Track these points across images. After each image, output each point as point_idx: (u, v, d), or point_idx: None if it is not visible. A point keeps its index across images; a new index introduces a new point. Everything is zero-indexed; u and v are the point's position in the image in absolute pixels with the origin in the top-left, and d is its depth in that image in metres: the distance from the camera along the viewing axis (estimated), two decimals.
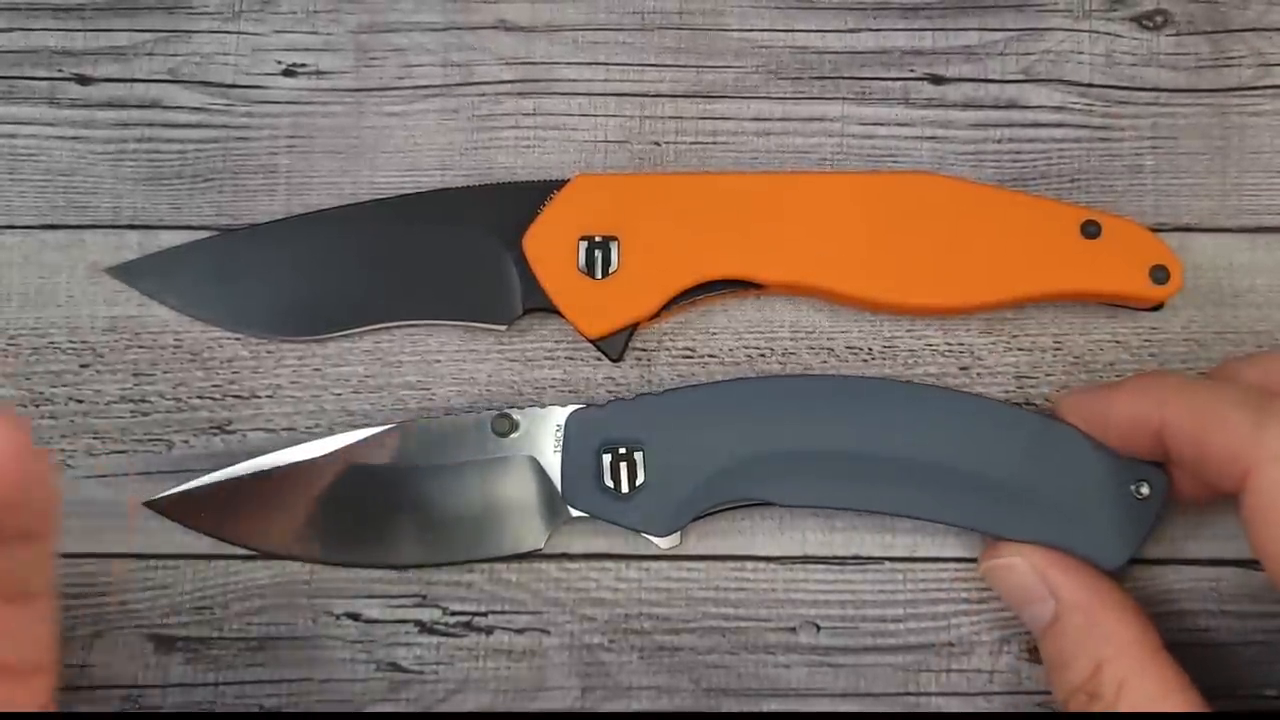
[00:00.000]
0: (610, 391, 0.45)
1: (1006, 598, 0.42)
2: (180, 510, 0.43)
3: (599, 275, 0.43)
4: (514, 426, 0.43)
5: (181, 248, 0.45)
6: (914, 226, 0.43)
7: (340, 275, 0.45)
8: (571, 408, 0.43)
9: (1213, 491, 0.39)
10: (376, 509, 0.43)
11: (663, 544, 0.42)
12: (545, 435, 0.43)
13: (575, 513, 0.42)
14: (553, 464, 0.42)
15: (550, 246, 0.44)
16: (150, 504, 0.43)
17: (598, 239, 0.44)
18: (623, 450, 0.42)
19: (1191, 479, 0.40)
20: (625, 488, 0.42)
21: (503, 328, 0.44)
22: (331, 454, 0.43)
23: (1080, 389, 0.42)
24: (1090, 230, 0.43)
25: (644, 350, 0.45)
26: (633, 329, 0.44)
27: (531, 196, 0.44)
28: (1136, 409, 0.40)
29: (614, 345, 0.44)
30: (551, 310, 0.44)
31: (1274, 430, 0.36)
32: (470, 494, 0.43)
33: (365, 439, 0.43)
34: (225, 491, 0.43)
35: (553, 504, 0.42)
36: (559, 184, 0.44)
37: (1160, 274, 0.43)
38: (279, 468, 0.43)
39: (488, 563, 0.43)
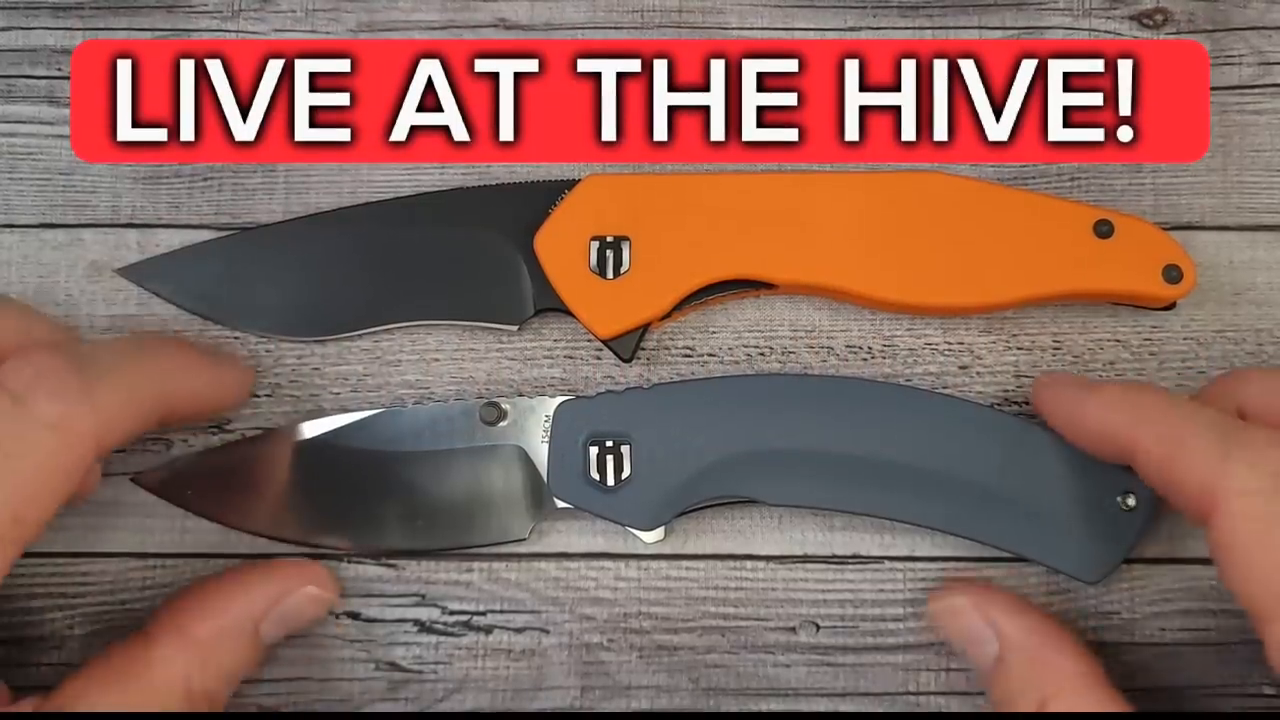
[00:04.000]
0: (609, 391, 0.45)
1: (953, 640, 0.41)
2: (168, 487, 0.43)
3: (610, 275, 0.43)
4: (502, 415, 0.43)
5: (193, 248, 0.45)
6: (929, 226, 0.43)
7: (352, 276, 0.45)
8: (560, 399, 0.43)
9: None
10: (361, 492, 0.43)
11: (647, 538, 0.42)
12: (534, 425, 0.43)
13: (561, 504, 0.42)
14: (540, 454, 0.42)
15: (562, 247, 0.44)
16: (137, 479, 0.43)
17: (609, 239, 0.44)
18: (609, 443, 0.42)
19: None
20: (611, 480, 0.42)
21: (514, 328, 0.44)
22: (318, 436, 0.43)
23: (1060, 380, 0.41)
24: (1103, 229, 0.43)
25: (643, 349, 0.45)
26: (644, 329, 0.44)
27: (542, 196, 0.44)
28: (1109, 422, 0.38)
29: (625, 345, 0.44)
30: (563, 310, 0.44)
31: (1240, 462, 0.34)
32: (456, 481, 0.43)
33: (352, 422, 0.43)
34: (212, 470, 0.43)
35: (539, 495, 0.42)
36: (570, 184, 0.44)
37: (1173, 273, 0.42)
38: (266, 448, 0.43)
39: (482, 559, 0.43)
